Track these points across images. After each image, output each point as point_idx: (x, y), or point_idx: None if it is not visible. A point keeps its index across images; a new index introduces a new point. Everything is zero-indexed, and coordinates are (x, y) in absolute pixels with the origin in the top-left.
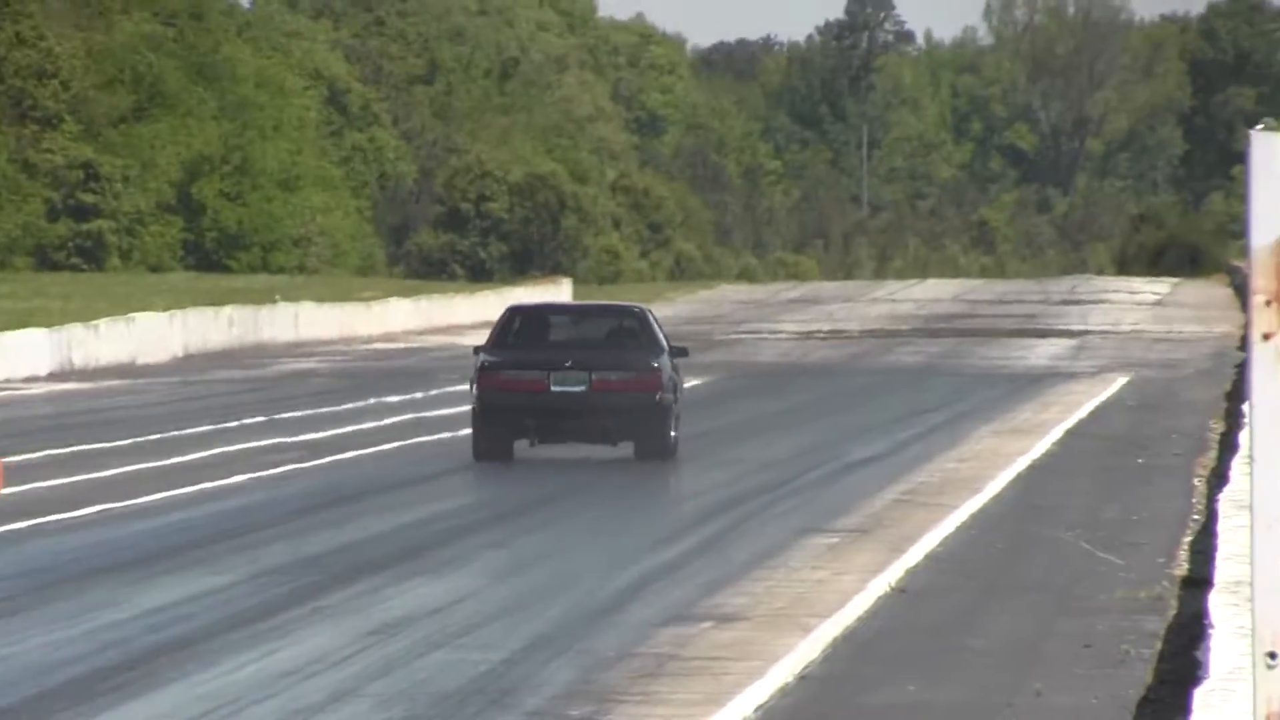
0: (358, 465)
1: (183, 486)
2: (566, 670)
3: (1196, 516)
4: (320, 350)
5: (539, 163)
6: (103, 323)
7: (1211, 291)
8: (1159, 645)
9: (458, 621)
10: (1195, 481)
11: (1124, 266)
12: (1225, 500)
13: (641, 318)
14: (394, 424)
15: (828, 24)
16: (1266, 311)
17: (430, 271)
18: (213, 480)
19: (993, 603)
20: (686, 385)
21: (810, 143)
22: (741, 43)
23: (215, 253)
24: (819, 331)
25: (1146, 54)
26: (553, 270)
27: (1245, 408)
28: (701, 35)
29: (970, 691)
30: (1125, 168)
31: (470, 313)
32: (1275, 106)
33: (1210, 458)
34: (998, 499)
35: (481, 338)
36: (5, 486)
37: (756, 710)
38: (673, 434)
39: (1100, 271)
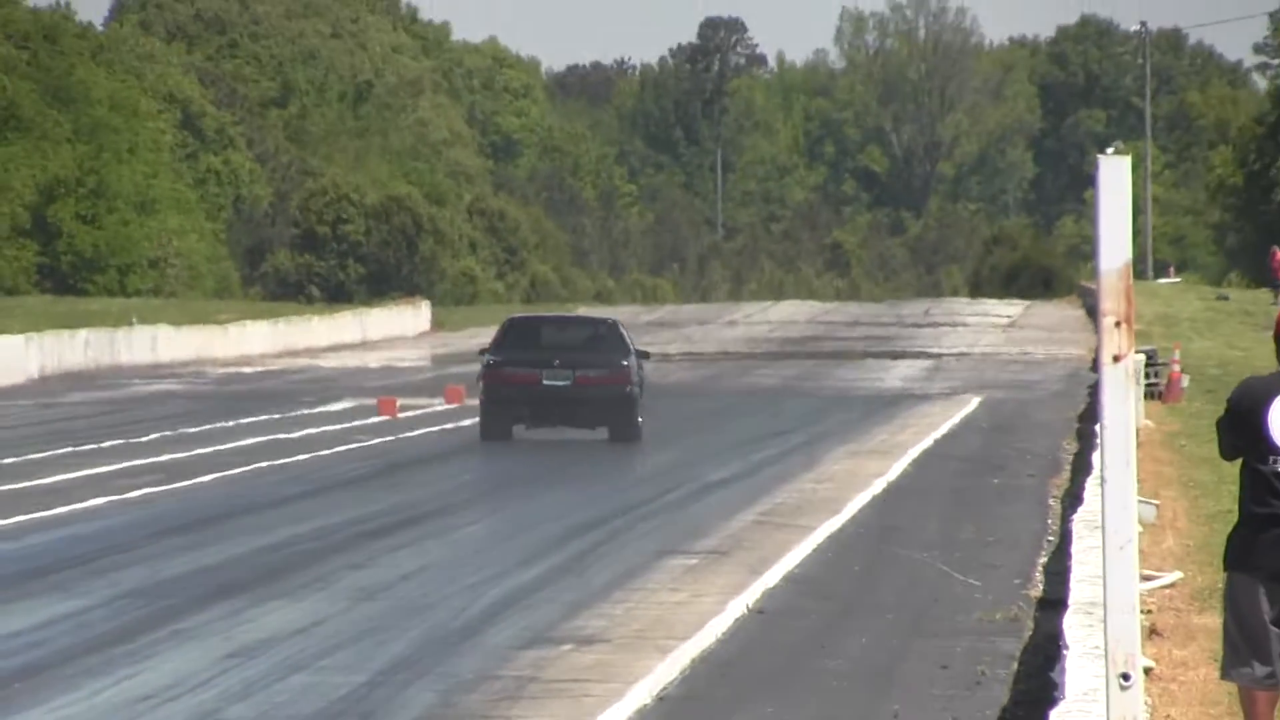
0: (216, 488)
1: (38, 510)
2: (427, 693)
3: (1051, 538)
4: (178, 373)
5: (395, 186)
6: None
7: (1064, 313)
8: (1015, 666)
9: (318, 644)
10: (1050, 502)
11: (977, 289)
12: (1079, 521)
13: (613, 327)
14: (252, 446)
15: (680, 47)
16: (1116, 333)
17: (287, 293)
18: (69, 504)
19: (850, 624)
20: None
21: (664, 166)
22: (595, 66)
23: (71, 276)
24: (675, 354)
25: (997, 77)
26: (410, 292)
27: (1098, 429)
28: (555, 58)
29: (828, 713)
30: (977, 190)
31: (328, 335)
32: (1125, 130)
33: (1064, 479)
34: (855, 520)
35: (340, 359)
36: None
37: None
38: (639, 420)
39: (954, 293)
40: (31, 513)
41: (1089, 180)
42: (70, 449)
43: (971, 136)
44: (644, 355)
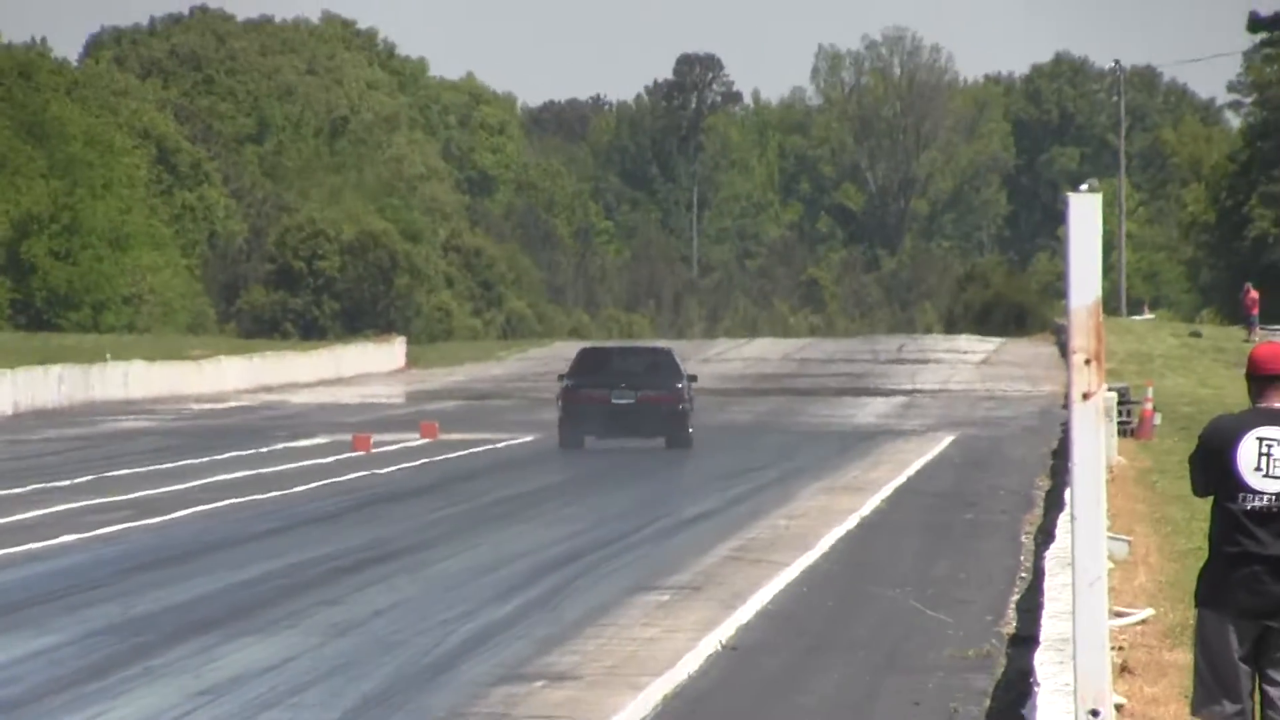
0: (189, 524)
1: (10, 546)
2: None
3: (1024, 574)
4: (151, 409)
5: (370, 221)
6: None
7: (1037, 350)
8: (987, 703)
9: (289, 680)
10: (1023, 539)
11: (951, 325)
12: (1051, 558)
13: (668, 355)
14: (225, 482)
15: (656, 84)
16: (1086, 370)
17: (262, 330)
18: (41, 540)
19: (823, 660)
20: (521, 440)
21: (640, 203)
22: (571, 102)
23: (45, 312)
24: None
25: (971, 115)
26: (386, 328)
27: (1069, 466)
28: (531, 95)
29: None
30: (951, 227)
31: (303, 371)
32: (1099, 167)
33: (1037, 515)
34: (828, 556)
35: (315, 395)
36: None
37: None
38: (690, 430)
39: (928, 330)
40: (2, 549)
41: (1061, 217)
42: (42, 485)
43: (946, 173)
44: (693, 378)
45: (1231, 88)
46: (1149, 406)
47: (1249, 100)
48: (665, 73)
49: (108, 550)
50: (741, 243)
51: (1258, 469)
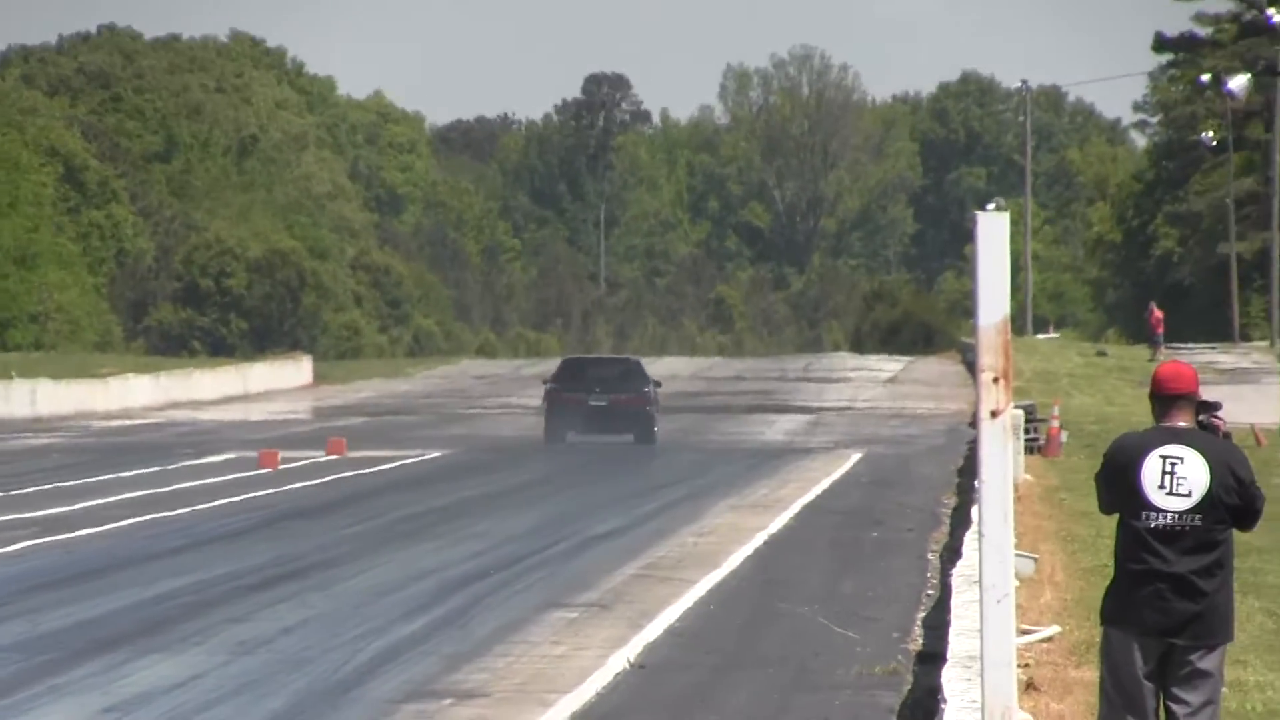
0: (95, 541)
1: None
2: None
3: (931, 591)
4: (59, 426)
5: (278, 240)
6: None
7: (944, 368)
8: None
9: (196, 698)
10: (929, 556)
11: (859, 344)
12: (958, 575)
13: (638, 364)
14: (132, 499)
15: (565, 103)
16: (994, 389)
17: (170, 348)
18: None
19: (731, 678)
20: (429, 456)
21: (548, 221)
22: (480, 120)
23: None
24: None
25: (879, 134)
26: (293, 346)
27: (976, 483)
28: (440, 113)
29: None
30: (859, 246)
31: (210, 388)
32: (1005, 186)
33: (943, 533)
34: (736, 574)
35: (222, 412)
36: None
37: None
38: (655, 429)
39: (835, 349)
40: None
41: (969, 236)
42: None
43: (853, 192)
44: (657, 384)
45: (1137, 108)
46: (1056, 424)
47: (1154, 120)
48: (574, 92)
49: (13, 568)
50: (650, 261)
51: (1161, 487)
